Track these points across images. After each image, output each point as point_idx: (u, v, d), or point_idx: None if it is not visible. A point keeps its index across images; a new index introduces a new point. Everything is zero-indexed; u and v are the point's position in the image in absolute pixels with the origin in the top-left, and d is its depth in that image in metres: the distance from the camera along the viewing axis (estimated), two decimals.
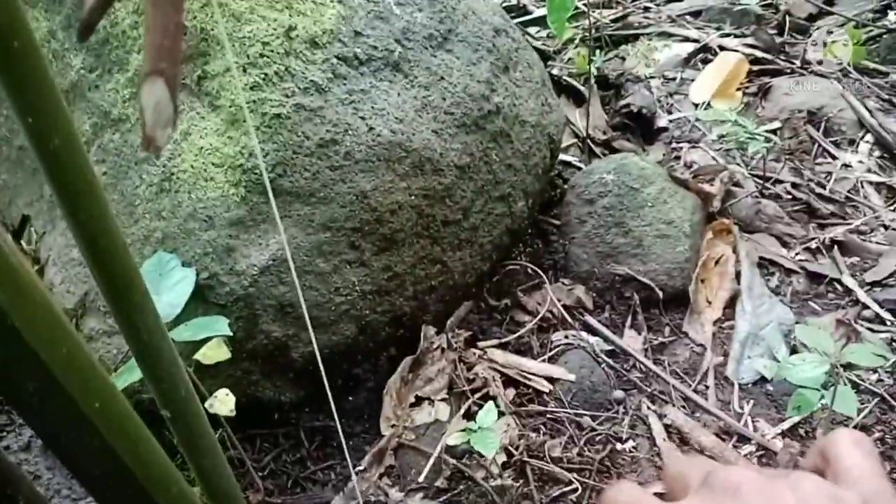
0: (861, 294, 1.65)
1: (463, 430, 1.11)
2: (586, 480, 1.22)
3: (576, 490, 1.21)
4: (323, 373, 0.76)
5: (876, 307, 1.62)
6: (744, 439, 1.33)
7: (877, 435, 1.35)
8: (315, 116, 1.09)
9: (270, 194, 1.03)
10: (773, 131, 2.05)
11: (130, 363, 0.95)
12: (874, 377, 1.47)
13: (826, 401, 1.18)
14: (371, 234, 1.14)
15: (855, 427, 1.33)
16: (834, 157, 2.02)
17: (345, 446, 0.95)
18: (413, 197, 1.17)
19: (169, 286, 1.05)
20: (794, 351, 1.50)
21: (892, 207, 1.89)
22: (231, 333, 1.00)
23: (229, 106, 1.07)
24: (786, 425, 1.36)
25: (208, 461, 0.92)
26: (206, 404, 1.02)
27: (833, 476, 0.45)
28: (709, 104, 2.14)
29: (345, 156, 1.10)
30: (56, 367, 0.52)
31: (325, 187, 1.09)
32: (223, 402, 1.01)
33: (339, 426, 0.90)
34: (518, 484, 1.19)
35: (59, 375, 0.53)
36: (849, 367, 1.13)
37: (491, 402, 1.14)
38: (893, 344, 1.55)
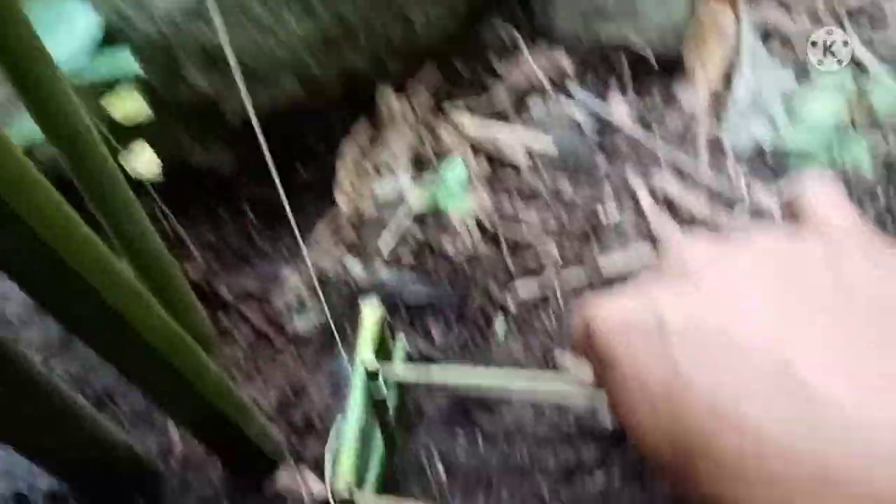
0: (874, 65, 1.49)
1: (425, 190, 0.97)
2: (565, 247, 1.11)
3: (553, 257, 1.10)
4: (258, 132, 0.61)
5: (890, 81, 1.46)
6: (736, 204, 1.22)
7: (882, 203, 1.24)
8: None
9: None
10: None
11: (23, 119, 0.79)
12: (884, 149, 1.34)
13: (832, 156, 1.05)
14: None
15: (866, 189, 1.21)
16: None
17: (291, 216, 0.81)
18: None
19: (68, 31, 0.86)
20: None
21: None
22: (140, 71, 0.83)
23: None
24: (782, 187, 1.24)
25: (127, 222, 0.79)
26: (125, 165, 0.87)
27: (802, 228, 0.41)
28: None
29: None
30: None
31: None
32: (140, 158, 0.86)
33: (282, 195, 0.75)
34: (491, 252, 1.08)
35: None
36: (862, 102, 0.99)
37: (458, 158, 1.00)
38: None
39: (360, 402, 0.73)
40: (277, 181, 0.70)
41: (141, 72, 0.85)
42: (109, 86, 0.87)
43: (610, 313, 0.40)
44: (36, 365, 0.67)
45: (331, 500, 0.68)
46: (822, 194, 0.40)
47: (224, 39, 0.92)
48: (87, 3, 0.90)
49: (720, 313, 0.35)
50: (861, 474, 0.28)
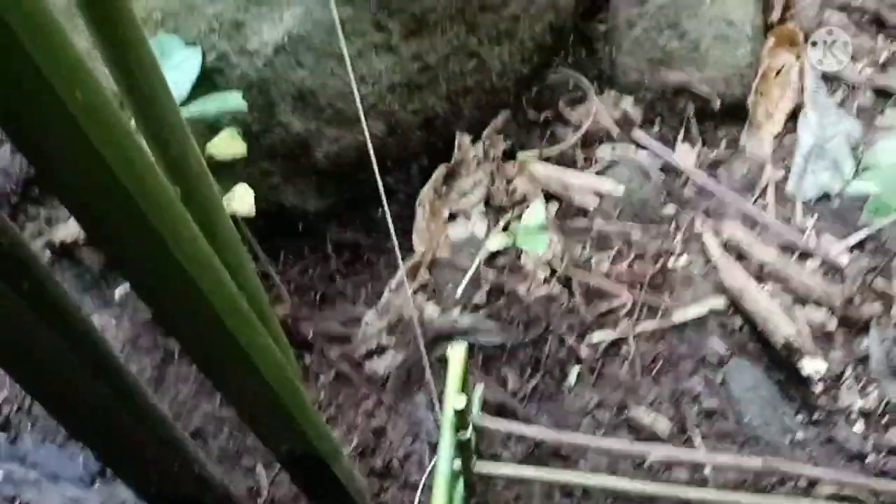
0: None
1: (505, 234, 1.00)
2: (636, 295, 1.13)
3: (625, 304, 1.12)
4: (374, 164, 0.64)
5: None
6: (807, 254, 1.23)
7: None
8: None
9: None
10: None
11: None
12: None
13: None
14: (399, 12, 0.98)
15: None
16: None
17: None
18: None
19: (172, 66, 0.90)
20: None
21: None
22: (246, 108, 0.87)
23: None
24: (853, 240, 1.24)
25: (231, 257, 0.82)
26: (224, 203, 0.91)
27: None
28: None
29: None
30: (24, 35, 0.39)
31: None
32: (241, 199, 0.89)
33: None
34: (563, 297, 1.09)
35: (27, 44, 0.39)
36: None
37: (538, 202, 1.03)
38: None
39: (448, 441, 0.75)
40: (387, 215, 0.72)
41: (245, 106, 0.89)
42: (211, 123, 0.92)
43: None
44: (149, 393, 0.70)
45: None
46: None
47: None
48: (190, 41, 0.95)
49: None
50: None
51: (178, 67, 0.87)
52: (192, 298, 0.54)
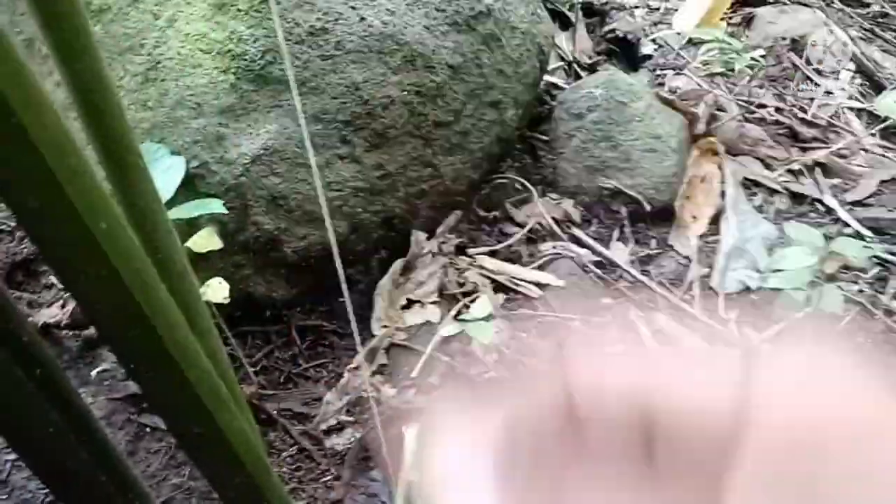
0: (842, 213, 1.68)
1: (457, 322, 1.11)
2: None
3: None
4: (338, 262, 0.76)
5: (857, 225, 1.65)
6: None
7: (860, 340, 1.38)
8: (305, 3, 1.06)
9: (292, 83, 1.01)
10: (754, 58, 2.05)
11: None
12: (855, 287, 1.50)
13: (811, 304, 1.20)
14: (363, 128, 1.13)
15: (837, 330, 1.36)
16: (816, 84, 2.03)
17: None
18: (405, 92, 1.16)
19: (158, 173, 1.02)
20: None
21: (871, 132, 1.91)
22: (226, 211, 0.99)
23: None
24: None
25: (205, 342, 0.92)
26: (200, 292, 1.01)
27: None
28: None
29: (336, 45, 1.08)
30: (62, 175, 0.51)
31: (316, 77, 1.07)
32: (216, 290, 1.00)
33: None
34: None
35: (65, 185, 0.51)
36: (833, 257, 1.15)
37: (484, 296, 1.15)
38: (873, 259, 1.57)
39: None
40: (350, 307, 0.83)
41: (224, 210, 1.00)
42: (190, 222, 1.03)
43: None
44: (130, 463, 0.78)
45: None
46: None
47: (321, 195, 1.09)
48: (175, 150, 1.07)
49: None
50: None
51: (164, 174, 0.99)
52: (180, 385, 0.64)
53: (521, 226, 1.48)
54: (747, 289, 1.49)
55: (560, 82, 1.84)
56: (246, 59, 1.03)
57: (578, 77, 1.88)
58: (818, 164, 1.81)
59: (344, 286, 0.84)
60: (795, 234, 1.20)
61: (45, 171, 0.50)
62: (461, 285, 1.31)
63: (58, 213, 0.53)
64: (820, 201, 1.73)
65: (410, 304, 1.28)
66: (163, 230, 0.79)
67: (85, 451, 0.72)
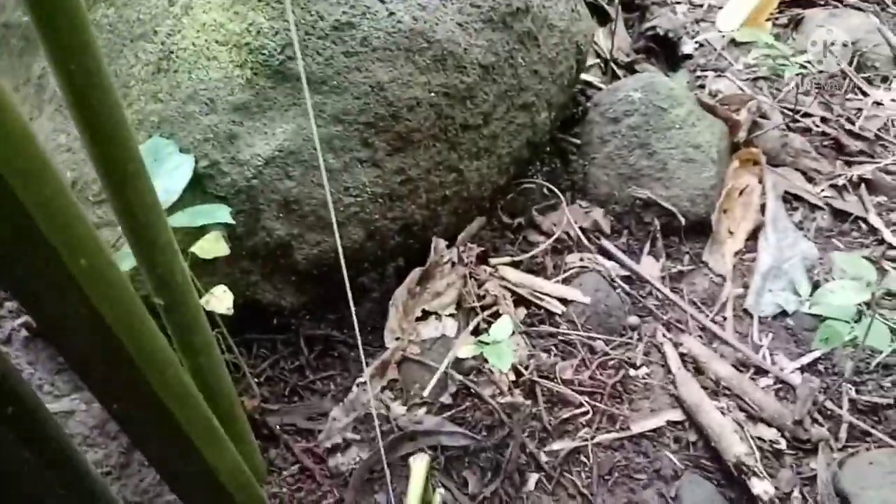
0: (888, 234, 1.58)
1: (474, 344, 1.04)
2: (597, 404, 1.17)
3: (586, 413, 1.16)
4: (345, 272, 0.69)
5: None
6: (761, 372, 1.28)
7: None
8: None
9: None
10: (804, 65, 1.95)
11: (124, 250, 0.88)
12: None
13: (855, 334, 1.12)
14: (385, 131, 1.05)
15: (879, 364, 1.28)
16: (865, 94, 1.92)
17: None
18: (433, 94, 1.08)
19: (165, 172, 0.96)
20: (816, 287, 1.44)
21: None
22: (233, 222, 0.93)
23: None
24: (806, 360, 1.30)
25: (204, 359, 0.86)
26: (203, 301, 0.95)
27: None
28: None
29: (361, 41, 1.01)
30: (35, 209, 0.44)
31: (339, 75, 1.00)
32: (220, 300, 0.94)
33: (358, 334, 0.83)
34: (527, 403, 1.13)
35: (37, 218, 0.45)
36: (888, 295, 1.07)
37: (506, 316, 1.08)
38: None
39: None
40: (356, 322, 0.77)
41: (231, 220, 0.94)
42: (198, 228, 0.96)
43: None
44: (107, 486, 0.72)
45: None
46: None
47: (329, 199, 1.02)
48: (184, 147, 1.00)
49: None
50: None
51: (171, 174, 0.93)
52: (170, 429, 0.58)
53: (547, 234, 1.40)
54: (783, 312, 1.40)
55: (596, 80, 1.75)
56: (264, 54, 0.96)
57: (615, 76, 1.79)
58: (863, 179, 1.71)
59: (349, 295, 0.78)
60: (845, 264, 1.11)
61: (12, 201, 0.43)
62: (481, 298, 1.24)
63: (31, 248, 0.47)
64: (864, 220, 1.63)
65: (426, 315, 1.21)
66: (163, 243, 0.73)
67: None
